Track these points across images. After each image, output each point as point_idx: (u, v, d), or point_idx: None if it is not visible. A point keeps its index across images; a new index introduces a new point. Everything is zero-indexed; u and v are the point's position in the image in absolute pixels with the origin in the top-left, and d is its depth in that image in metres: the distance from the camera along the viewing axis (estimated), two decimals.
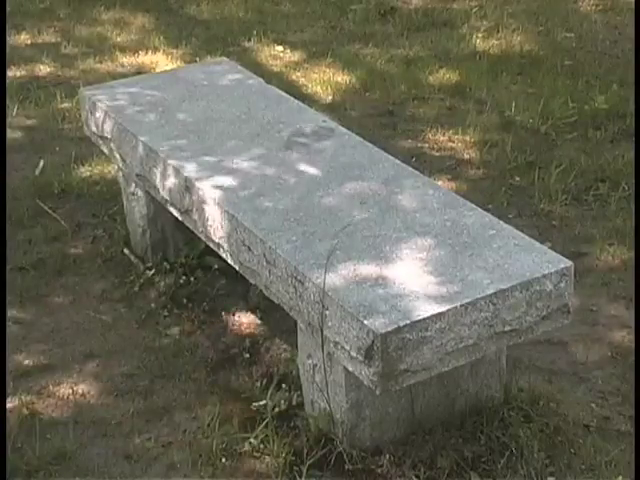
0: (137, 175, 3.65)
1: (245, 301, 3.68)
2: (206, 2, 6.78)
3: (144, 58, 5.88)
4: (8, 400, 3.17)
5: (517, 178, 4.56)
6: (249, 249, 3.00)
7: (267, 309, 3.57)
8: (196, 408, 3.20)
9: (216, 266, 3.73)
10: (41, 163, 4.69)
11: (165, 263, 3.82)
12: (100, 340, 3.54)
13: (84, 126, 4.02)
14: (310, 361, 2.96)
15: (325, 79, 5.59)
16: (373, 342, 2.54)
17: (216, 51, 5.89)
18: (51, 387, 3.31)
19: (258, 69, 5.40)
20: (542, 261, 2.80)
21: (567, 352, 3.44)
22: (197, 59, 5.79)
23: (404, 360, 2.58)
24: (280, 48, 6.05)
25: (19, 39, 6.22)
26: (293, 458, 2.91)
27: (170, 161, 3.38)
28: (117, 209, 4.20)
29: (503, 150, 4.75)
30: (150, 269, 3.83)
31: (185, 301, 3.69)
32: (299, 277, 2.79)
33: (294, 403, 3.10)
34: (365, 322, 2.56)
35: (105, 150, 3.89)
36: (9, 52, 5.80)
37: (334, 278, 2.73)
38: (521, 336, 2.78)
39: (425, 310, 2.60)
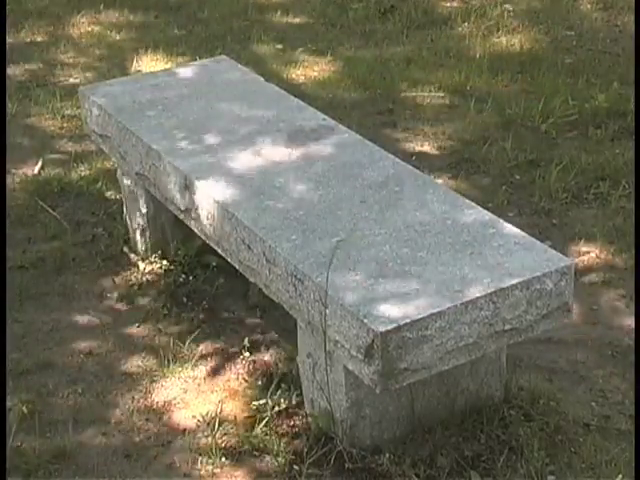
0: (137, 173, 3.65)
1: (245, 300, 3.68)
2: (206, 0, 6.77)
3: (144, 56, 5.87)
4: (8, 399, 3.16)
5: (517, 176, 4.55)
6: (249, 248, 3.00)
7: (267, 308, 3.56)
8: (196, 408, 3.19)
9: (215, 264, 3.73)
10: (40, 162, 4.69)
11: (164, 262, 3.82)
12: (100, 339, 3.54)
13: (84, 125, 4.02)
14: (310, 360, 2.95)
15: (325, 77, 5.59)
16: (373, 341, 2.54)
17: (216, 49, 5.88)
18: (51, 386, 3.31)
19: (258, 67, 5.40)
20: (542, 260, 2.79)
21: (567, 351, 3.44)
22: (197, 57, 5.78)
23: (404, 359, 2.57)
24: (280, 46, 6.04)
25: (19, 38, 6.21)
26: (293, 457, 2.91)
27: (170, 159, 3.37)
28: (116, 207, 4.20)
29: (503, 148, 4.75)
30: (150, 267, 3.83)
31: (185, 300, 3.68)
32: (299, 276, 2.78)
33: (294, 402, 3.10)
34: (365, 321, 2.56)
35: (105, 148, 3.89)
36: (9, 51, 5.80)
37: (334, 277, 2.72)
38: (521, 335, 2.78)
39: (425, 309, 2.59)
